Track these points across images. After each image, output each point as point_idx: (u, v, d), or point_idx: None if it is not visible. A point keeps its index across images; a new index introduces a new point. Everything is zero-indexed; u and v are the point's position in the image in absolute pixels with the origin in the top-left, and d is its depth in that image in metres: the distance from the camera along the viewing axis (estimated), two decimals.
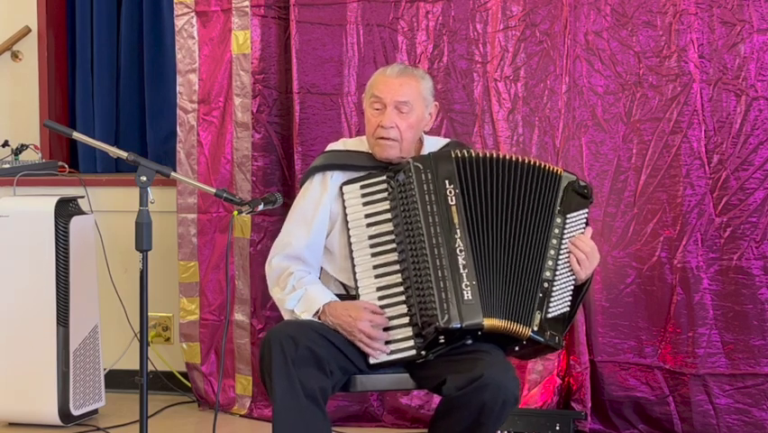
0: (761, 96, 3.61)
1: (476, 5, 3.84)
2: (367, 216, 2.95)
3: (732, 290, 3.65)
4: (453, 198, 2.87)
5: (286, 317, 3.00)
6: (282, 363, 2.73)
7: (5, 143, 4.52)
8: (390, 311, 2.87)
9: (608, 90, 3.76)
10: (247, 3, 4.05)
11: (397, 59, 3.89)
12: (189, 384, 4.30)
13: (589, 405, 3.78)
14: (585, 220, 2.97)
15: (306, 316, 2.92)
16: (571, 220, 2.94)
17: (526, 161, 2.95)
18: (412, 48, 3.90)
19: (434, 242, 2.82)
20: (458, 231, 2.83)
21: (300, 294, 2.95)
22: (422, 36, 3.89)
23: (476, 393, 2.68)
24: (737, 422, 3.66)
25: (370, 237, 2.93)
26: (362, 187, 2.98)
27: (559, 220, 2.92)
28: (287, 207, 3.26)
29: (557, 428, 3.65)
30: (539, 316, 2.84)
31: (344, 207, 2.98)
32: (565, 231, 2.92)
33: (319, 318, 2.91)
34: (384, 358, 2.85)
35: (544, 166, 2.96)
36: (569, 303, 2.91)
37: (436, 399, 2.88)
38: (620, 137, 3.75)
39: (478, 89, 3.85)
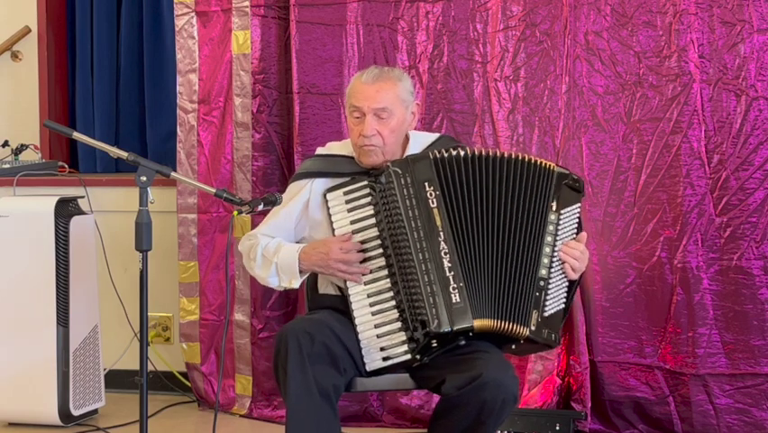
0: (761, 96, 3.61)
1: (476, 5, 3.84)
2: (353, 222, 2.93)
3: (732, 290, 3.65)
4: (434, 200, 2.85)
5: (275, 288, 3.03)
6: (298, 359, 2.74)
7: (5, 143, 4.52)
8: (382, 317, 2.85)
9: (608, 90, 3.76)
10: (247, 3, 4.05)
11: (397, 59, 3.89)
12: (189, 384, 4.30)
13: (589, 405, 3.77)
14: (578, 214, 2.95)
15: (296, 282, 2.95)
16: (565, 216, 2.92)
17: (515, 158, 2.91)
18: (412, 48, 3.90)
19: (418, 246, 2.80)
20: (441, 234, 2.81)
21: (274, 269, 2.97)
22: (422, 36, 3.89)
23: (475, 392, 2.68)
24: (737, 422, 3.66)
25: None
26: (345, 193, 2.96)
27: (553, 217, 2.89)
28: None
29: (557, 428, 3.65)
30: (536, 314, 2.82)
31: (330, 215, 2.96)
32: (559, 227, 2.90)
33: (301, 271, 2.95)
34: (380, 364, 2.84)
35: (535, 161, 2.92)
36: (564, 300, 2.90)
37: (436, 398, 2.87)
38: (620, 137, 3.75)
39: (478, 89, 3.85)
